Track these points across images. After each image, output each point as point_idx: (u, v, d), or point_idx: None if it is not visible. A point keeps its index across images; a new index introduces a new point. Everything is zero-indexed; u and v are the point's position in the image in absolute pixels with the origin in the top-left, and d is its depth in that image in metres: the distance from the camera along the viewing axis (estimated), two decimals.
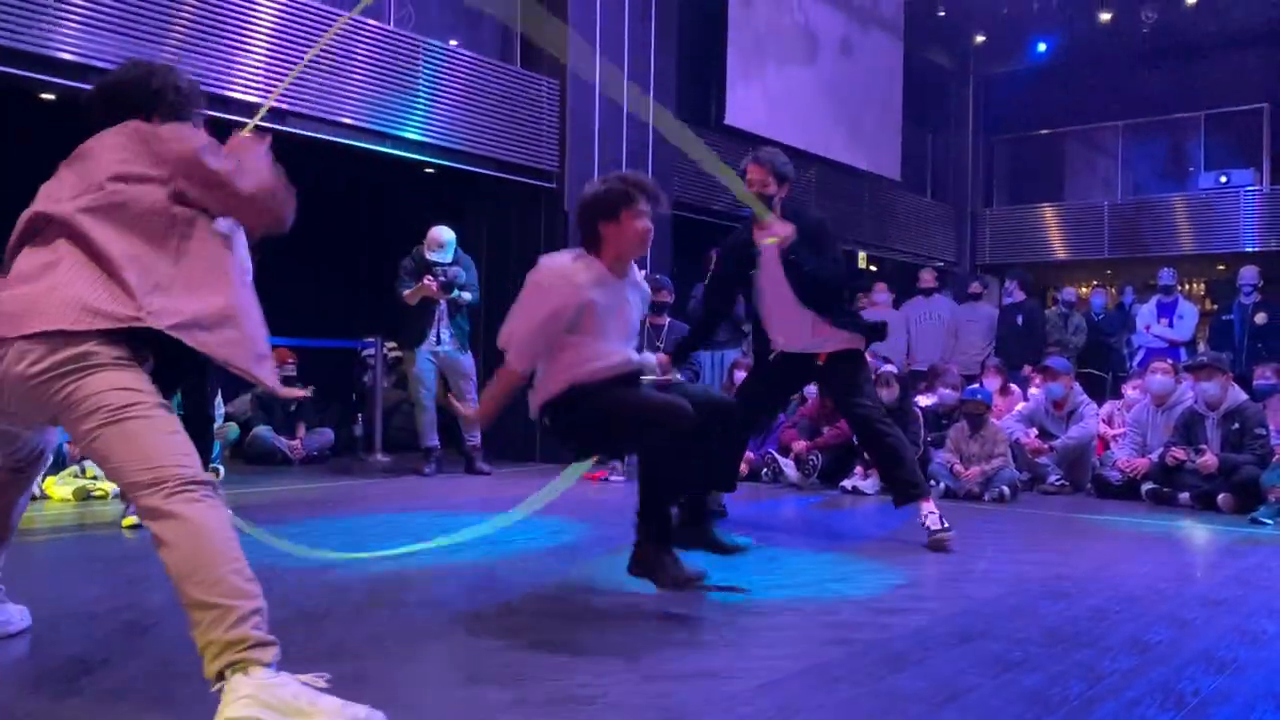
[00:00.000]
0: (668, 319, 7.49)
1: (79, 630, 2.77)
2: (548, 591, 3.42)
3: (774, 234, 4.43)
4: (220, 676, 1.94)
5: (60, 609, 2.79)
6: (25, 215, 2.28)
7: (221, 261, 2.29)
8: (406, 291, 6.99)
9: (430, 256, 7.04)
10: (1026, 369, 9.19)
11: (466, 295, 7.09)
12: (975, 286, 11.05)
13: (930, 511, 4.46)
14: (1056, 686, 2.49)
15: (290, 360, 7.97)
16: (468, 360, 7.19)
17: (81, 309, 2.10)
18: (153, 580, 3.55)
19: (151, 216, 2.22)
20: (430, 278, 6.97)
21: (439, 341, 7.10)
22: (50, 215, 2.23)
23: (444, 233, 7.11)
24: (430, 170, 7.83)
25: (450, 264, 7.08)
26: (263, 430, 7.59)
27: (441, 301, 7.03)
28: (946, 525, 4.41)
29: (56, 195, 2.26)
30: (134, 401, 2.10)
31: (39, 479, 2.65)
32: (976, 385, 7.53)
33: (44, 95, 5.95)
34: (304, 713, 1.93)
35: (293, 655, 2.60)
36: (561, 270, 3.26)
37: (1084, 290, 12.29)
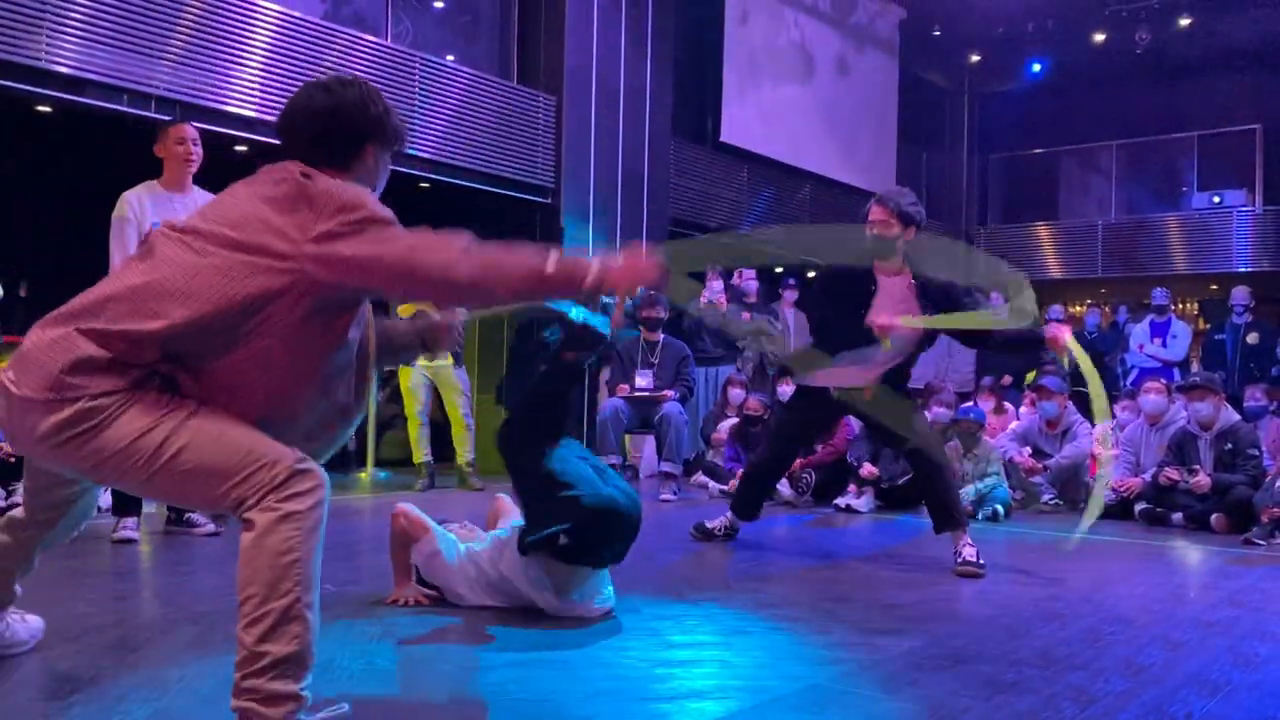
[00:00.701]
0: (662, 336, 7.49)
1: (68, 647, 2.74)
2: (536, 609, 3.40)
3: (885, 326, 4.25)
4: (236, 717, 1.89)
5: (48, 625, 2.76)
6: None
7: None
8: (400, 306, 6.97)
9: None
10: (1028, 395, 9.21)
11: (462, 311, 7.08)
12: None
13: (968, 544, 4.37)
14: (1049, 709, 2.48)
15: None
16: (462, 376, 7.18)
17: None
18: (144, 596, 3.54)
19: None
20: None
21: (433, 356, 7.08)
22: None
23: None
24: (425, 185, 7.84)
25: None
26: None
27: (435, 316, 7.02)
28: (981, 561, 4.32)
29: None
30: (165, 437, 1.94)
31: (133, 519, 2.55)
32: (970, 404, 7.55)
33: (40, 108, 5.96)
34: None
35: None
36: None
37: (1078, 309, 12.33)
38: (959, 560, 4.33)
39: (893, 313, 4.37)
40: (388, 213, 2.12)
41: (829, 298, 4.67)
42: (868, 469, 6.62)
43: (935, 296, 4.41)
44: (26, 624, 2.68)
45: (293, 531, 1.92)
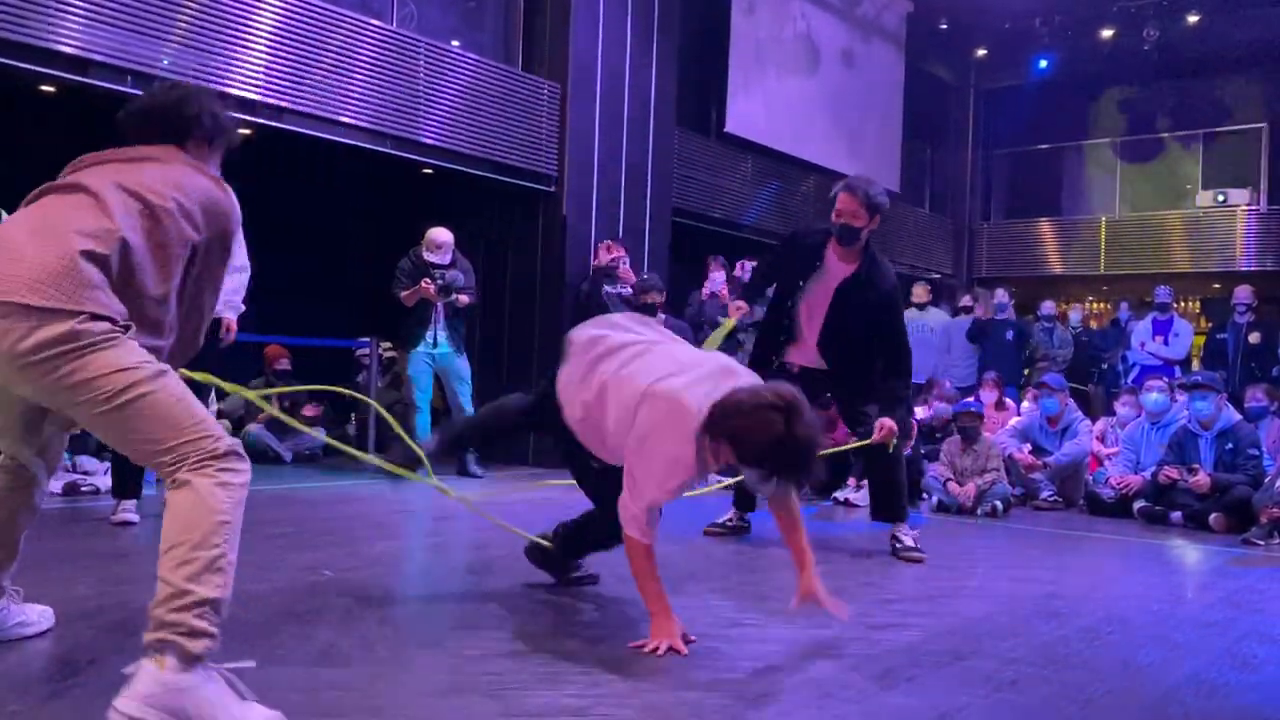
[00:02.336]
0: (664, 317, 7.49)
1: (66, 630, 2.74)
2: (537, 599, 3.41)
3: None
4: (146, 652, 1.98)
5: (48, 606, 2.76)
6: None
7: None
8: (404, 293, 6.98)
9: (428, 257, 7.03)
10: (1030, 392, 9.21)
11: (464, 298, 7.08)
12: (966, 300, 11.08)
13: (908, 533, 4.53)
14: (1047, 708, 2.48)
15: (285, 358, 7.95)
16: (463, 363, 7.18)
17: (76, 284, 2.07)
18: (143, 579, 3.53)
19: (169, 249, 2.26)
20: (428, 280, 6.95)
21: (435, 344, 7.09)
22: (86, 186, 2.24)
23: (443, 234, 7.10)
24: (428, 171, 7.82)
25: (448, 266, 7.07)
26: (255, 429, 7.56)
27: (439, 304, 7.02)
28: (920, 549, 4.46)
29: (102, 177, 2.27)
30: (136, 380, 2.08)
31: (43, 492, 2.59)
32: (971, 399, 7.55)
33: (44, 88, 5.93)
34: None
35: (282, 658, 2.60)
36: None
37: (1063, 306, 12.29)
38: (900, 547, 4.45)
39: (816, 302, 4.48)
40: None
41: (784, 266, 4.72)
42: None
43: (857, 302, 4.41)
44: (34, 608, 2.70)
45: (228, 499, 2.08)
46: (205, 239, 2.34)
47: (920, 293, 10.50)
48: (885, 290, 4.50)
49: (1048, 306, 10.65)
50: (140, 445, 2.12)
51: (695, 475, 2.80)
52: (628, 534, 2.88)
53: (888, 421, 4.38)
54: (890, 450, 4.49)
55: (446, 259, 7.08)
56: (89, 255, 2.11)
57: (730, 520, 5.05)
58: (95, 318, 2.07)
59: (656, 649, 2.77)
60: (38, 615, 2.70)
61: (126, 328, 2.14)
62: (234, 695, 2.02)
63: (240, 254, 4.86)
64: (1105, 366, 10.50)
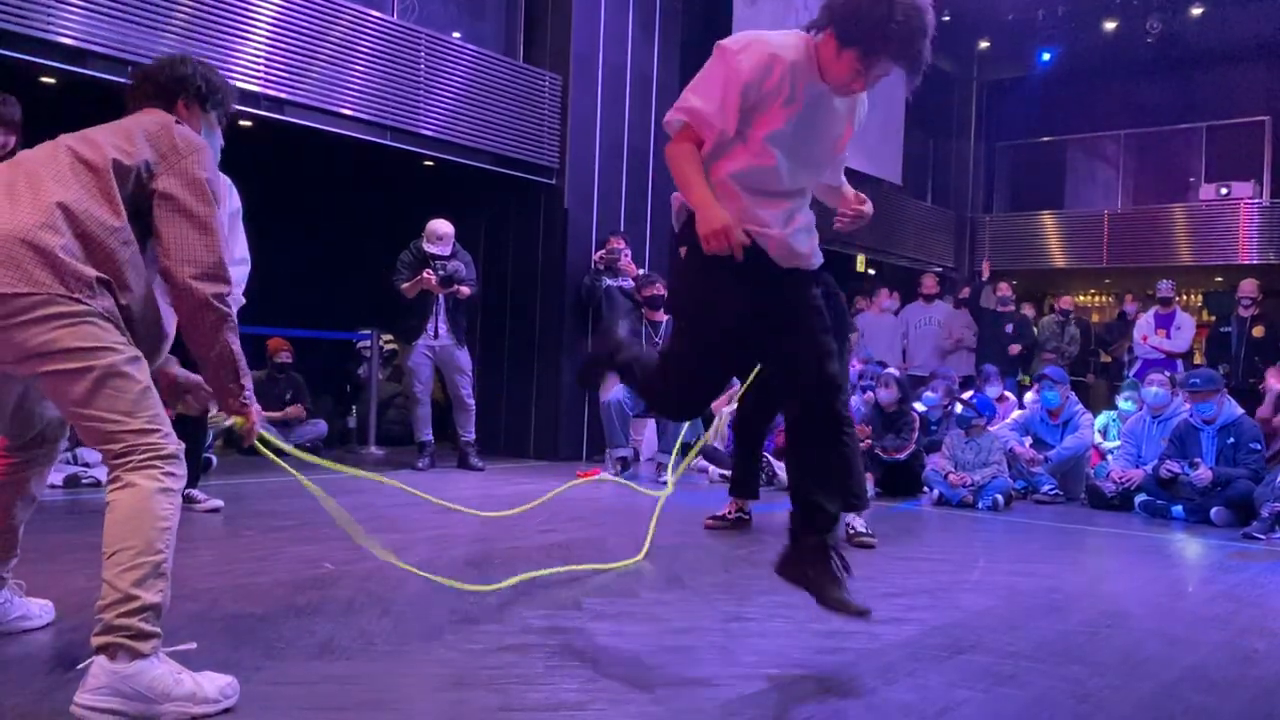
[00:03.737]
0: (664, 318, 7.47)
1: (67, 623, 2.74)
2: (535, 593, 3.41)
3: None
4: (97, 652, 2.06)
5: (46, 598, 2.76)
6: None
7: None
8: (405, 284, 6.97)
9: (429, 249, 7.02)
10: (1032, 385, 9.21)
11: (465, 290, 7.08)
12: (965, 291, 11.07)
13: (857, 517, 4.64)
14: (1047, 703, 2.48)
15: (286, 350, 7.95)
16: (464, 355, 7.17)
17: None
18: None
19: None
20: (429, 271, 6.95)
21: (436, 335, 7.08)
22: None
23: (443, 225, 7.09)
24: (429, 163, 7.80)
25: (449, 257, 7.07)
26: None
27: (440, 295, 7.01)
28: (871, 532, 4.57)
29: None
30: (111, 360, 2.13)
31: (42, 482, 2.60)
32: (972, 392, 7.54)
33: (44, 79, 5.92)
34: (159, 700, 2.05)
35: (282, 651, 2.60)
36: (760, 34, 2.65)
37: (1080, 299, 12.30)
38: (851, 531, 4.52)
39: None
40: None
41: None
42: (864, 442, 6.59)
43: None
44: (35, 602, 2.71)
45: (169, 504, 2.15)
46: (153, 164, 2.29)
47: (929, 284, 10.49)
48: None
49: (1065, 302, 10.65)
50: (94, 425, 2.15)
51: (778, 80, 2.56)
52: (674, 134, 2.67)
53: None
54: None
55: (447, 250, 7.07)
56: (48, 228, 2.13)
57: (730, 512, 5.05)
58: (76, 293, 2.12)
59: (710, 241, 2.49)
60: (39, 609, 2.72)
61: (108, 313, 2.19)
62: (186, 670, 2.13)
63: (241, 247, 4.85)
64: (1109, 359, 10.50)
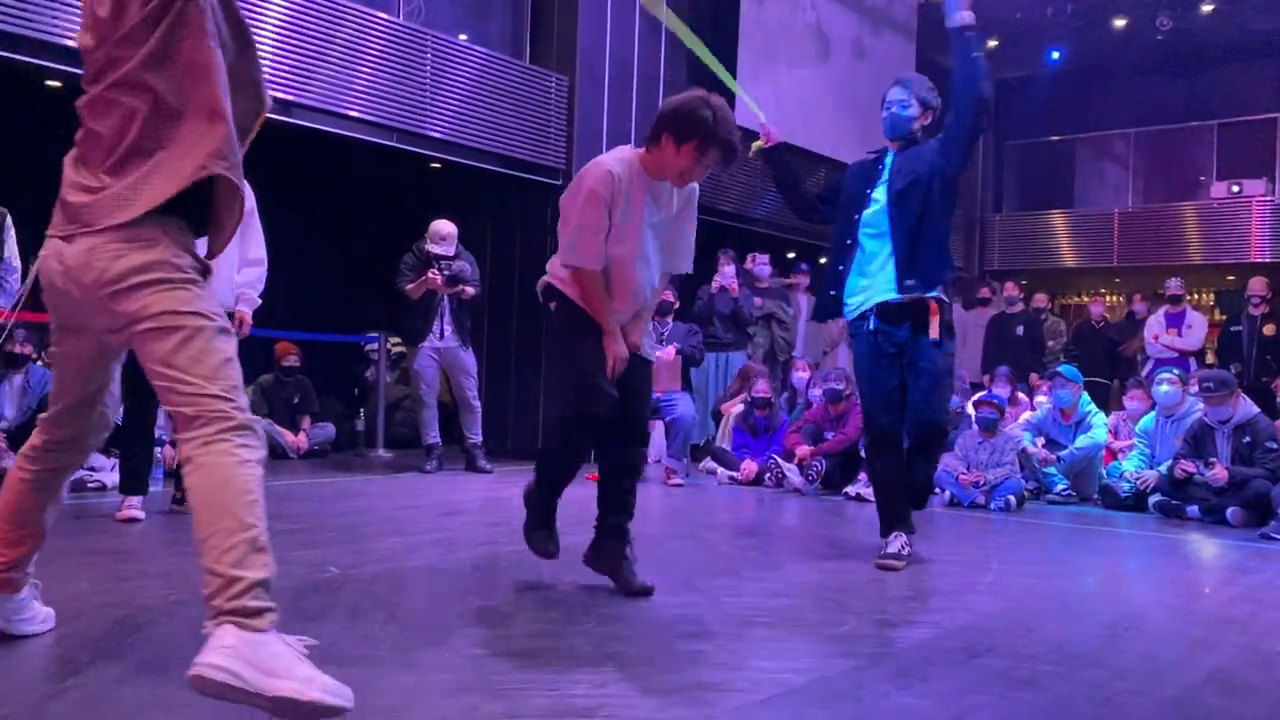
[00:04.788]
0: (671, 322, 7.43)
1: (68, 628, 2.71)
2: (543, 597, 3.37)
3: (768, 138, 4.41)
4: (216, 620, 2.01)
5: (49, 605, 2.73)
6: None
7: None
8: (409, 285, 6.94)
9: (433, 249, 6.99)
10: (1033, 378, 9.15)
11: (470, 290, 7.04)
12: (984, 291, 11.00)
13: (904, 542, 4.17)
14: (1064, 707, 2.43)
15: (293, 354, 7.93)
16: (469, 357, 7.14)
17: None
18: (147, 576, 3.50)
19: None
20: (435, 271, 6.92)
21: (441, 337, 7.05)
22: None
23: (446, 225, 7.06)
24: (436, 165, 7.78)
25: (453, 258, 7.04)
26: (263, 424, 7.54)
27: (445, 297, 6.98)
28: (906, 555, 4.14)
29: None
30: (202, 325, 2.16)
31: (65, 482, 2.56)
32: (986, 393, 7.48)
33: (50, 82, 5.91)
34: (277, 674, 1.96)
35: None
36: (602, 158, 3.34)
37: (1084, 298, 12.23)
38: (885, 554, 4.11)
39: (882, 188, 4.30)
40: None
41: (845, 192, 4.45)
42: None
43: (909, 173, 4.22)
44: (43, 609, 2.66)
45: (250, 475, 2.11)
46: None
47: None
48: (930, 151, 4.26)
49: (1039, 299, 10.67)
50: (174, 382, 2.13)
51: (616, 193, 3.21)
52: (576, 268, 3.28)
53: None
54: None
55: (451, 250, 7.04)
56: None
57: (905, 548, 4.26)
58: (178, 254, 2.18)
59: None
60: (44, 616, 2.66)
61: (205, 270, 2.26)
62: (303, 657, 2.04)
63: (257, 247, 4.83)
64: (1124, 359, 10.42)
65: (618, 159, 3.29)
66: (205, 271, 2.28)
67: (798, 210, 4.72)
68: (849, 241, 4.34)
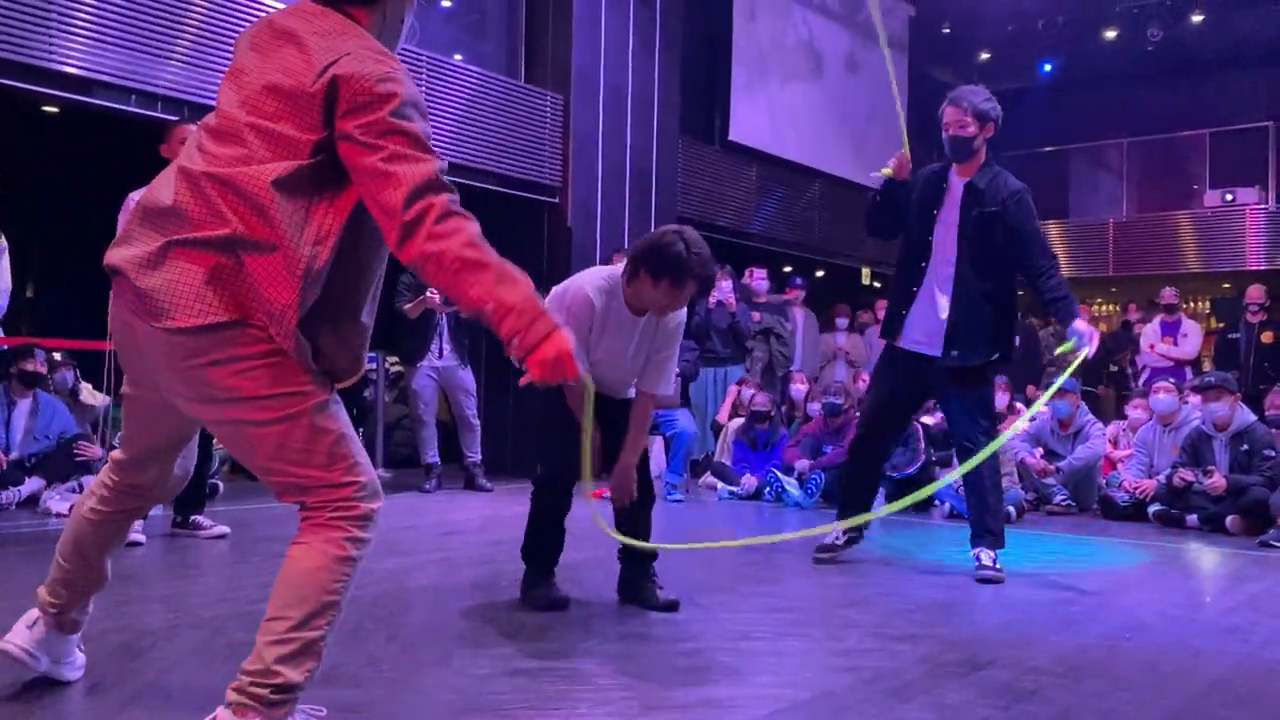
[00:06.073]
0: (652, 405, 7.43)
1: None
2: (545, 616, 3.36)
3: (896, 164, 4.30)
4: (227, 699, 1.95)
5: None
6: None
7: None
8: (408, 305, 6.94)
9: None
10: (1030, 389, 9.15)
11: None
12: None
13: (992, 556, 4.26)
14: (1067, 718, 2.43)
15: None
16: (468, 376, 7.14)
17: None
18: (147, 601, 3.50)
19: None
20: (433, 291, 6.92)
21: (440, 356, 7.05)
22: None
23: None
24: None
25: None
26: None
27: (443, 315, 6.99)
28: (1000, 568, 4.22)
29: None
30: (296, 407, 1.95)
31: (132, 523, 2.45)
32: None
33: (47, 108, 5.94)
34: None
35: None
36: (586, 280, 3.40)
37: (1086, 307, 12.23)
38: (980, 568, 4.21)
39: (949, 218, 4.30)
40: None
41: (912, 205, 4.48)
42: None
43: (983, 213, 4.24)
44: (80, 655, 2.55)
45: (343, 575, 1.98)
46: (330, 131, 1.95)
47: None
48: (1011, 191, 4.28)
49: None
50: (281, 471, 2.00)
51: (593, 320, 3.31)
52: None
53: (1087, 328, 4.04)
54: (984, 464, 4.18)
55: None
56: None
57: (838, 539, 4.59)
58: (256, 329, 1.94)
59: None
60: (80, 662, 2.54)
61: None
62: None
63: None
64: (1115, 369, 10.44)
65: (602, 285, 3.35)
66: None
67: (877, 230, 4.76)
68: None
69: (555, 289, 3.48)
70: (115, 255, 2.00)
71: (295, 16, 2.07)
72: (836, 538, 4.54)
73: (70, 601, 2.38)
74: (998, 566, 4.23)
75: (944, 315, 4.30)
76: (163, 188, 2.02)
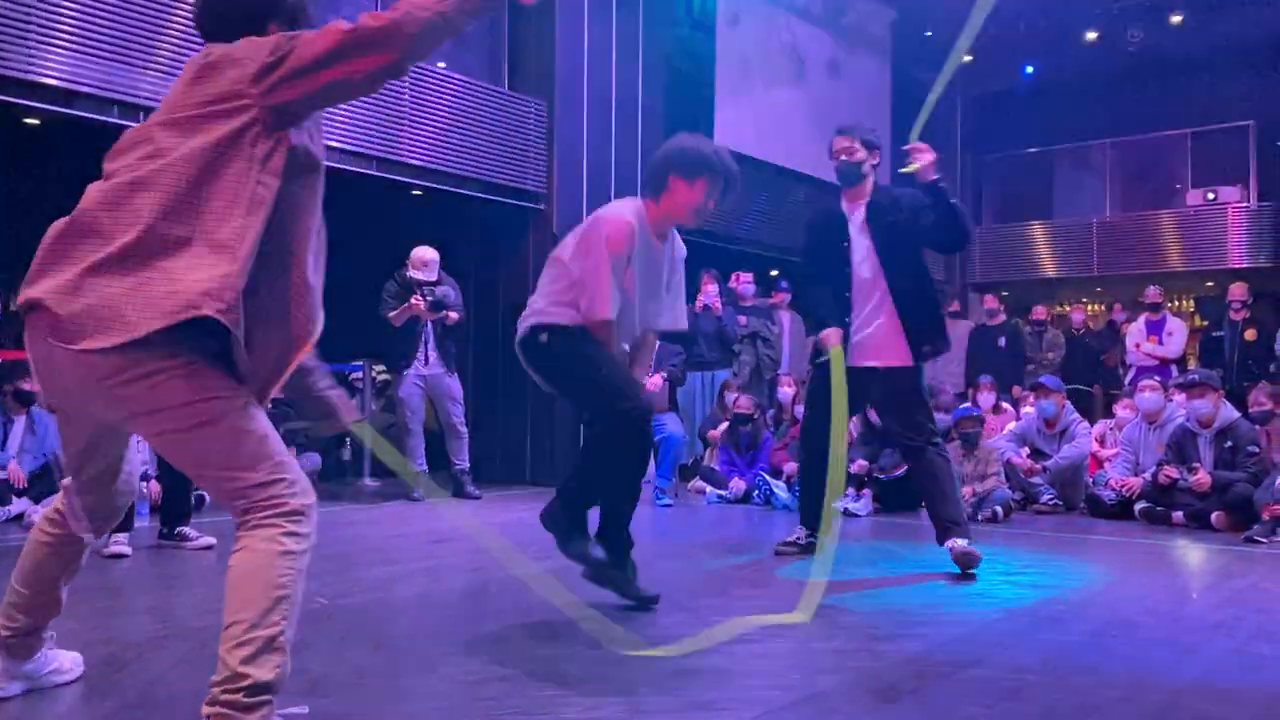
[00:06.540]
0: (656, 341, 7.43)
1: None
2: (534, 620, 3.36)
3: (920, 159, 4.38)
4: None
5: None
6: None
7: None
8: (392, 313, 6.93)
9: (414, 275, 7.00)
10: (1016, 389, 9.20)
11: (453, 315, 7.05)
12: (954, 304, 11.07)
13: (965, 543, 4.33)
14: (1052, 716, 2.44)
15: None
16: (455, 383, 7.13)
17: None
18: (133, 612, 3.49)
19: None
20: (418, 296, 6.92)
21: (426, 363, 7.04)
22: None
23: (428, 251, 7.07)
24: (418, 193, 7.80)
25: (435, 284, 7.04)
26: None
27: (428, 323, 6.98)
28: (974, 549, 4.29)
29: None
30: (216, 410, 2.00)
31: (88, 548, 2.45)
32: (968, 405, 7.52)
33: (28, 120, 5.91)
34: None
35: None
36: (618, 210, 3.41)
37: (1066, 308, 12.29)
38: (953, 552, 4.30)
39: (858, 241, 4.51)
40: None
41: (816, 247, 4.71)
42: (858, 464, 6.59)
43: (886, 224, 4.48)
44: (66, 655, 2.58)
45: (288, 569, 2.00)
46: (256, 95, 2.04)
47: None
48: (910, 200, 4.50)
49: (1038, 312, 10.68)
50: (211, 477, 2.05)
51: (633, 242, 3.32)
52: (597, 317, 3.29)
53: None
54: (928, 455, 4.42)
55: (433, 276, 7.04)
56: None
57: (800, 538, 4.76)
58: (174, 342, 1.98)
59: None
60: (70, 662, 2.57)
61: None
62: None
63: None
64: (1107, 366, 10.49)
65: (633, 210, 3.38)
66: None
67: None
68: None
69: (580, 227, 3.46)
70: (35, 291, 2.01)
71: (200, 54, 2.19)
72: (799, 537, 4.74)
73: (22, 627, 2.39)
74: (972, 548, 4.28)
75: (880, 327, 4.49)
76: (74, 214, 2.06)
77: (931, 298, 4.65)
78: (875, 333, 4.50)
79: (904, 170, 4.42)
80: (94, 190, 2.06)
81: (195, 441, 2.01)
